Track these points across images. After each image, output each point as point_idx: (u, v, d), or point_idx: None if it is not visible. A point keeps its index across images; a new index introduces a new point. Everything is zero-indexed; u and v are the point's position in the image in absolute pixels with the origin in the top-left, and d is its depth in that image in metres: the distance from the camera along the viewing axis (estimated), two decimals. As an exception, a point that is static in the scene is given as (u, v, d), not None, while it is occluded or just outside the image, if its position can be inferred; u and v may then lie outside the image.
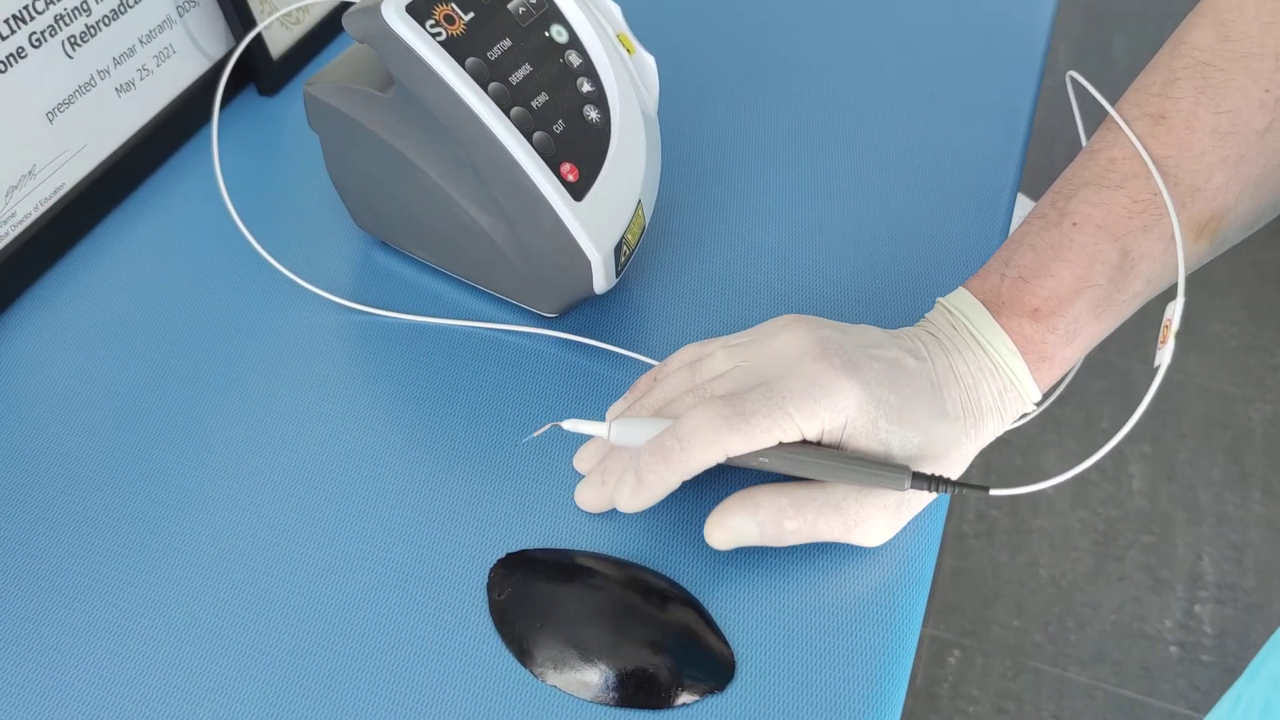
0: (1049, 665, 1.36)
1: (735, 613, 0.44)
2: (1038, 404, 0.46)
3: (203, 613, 0.44)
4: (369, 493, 0.48)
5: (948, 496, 0.46)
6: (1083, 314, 0.44)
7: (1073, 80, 0.53)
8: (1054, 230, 0.45)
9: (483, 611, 0.44)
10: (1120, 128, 0.46)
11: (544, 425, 0.47)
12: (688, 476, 0.43)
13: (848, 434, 0.42)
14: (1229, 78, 0.43)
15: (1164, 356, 0.43)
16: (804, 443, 0.43)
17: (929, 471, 0.43)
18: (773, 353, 0.44)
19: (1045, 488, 0.44)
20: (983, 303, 0.46)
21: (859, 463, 0.42)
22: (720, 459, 0.42)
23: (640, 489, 0.43)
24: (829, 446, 0.43)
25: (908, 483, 0.42)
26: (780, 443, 0.42)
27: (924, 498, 0.44)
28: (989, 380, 0.44)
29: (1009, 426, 0.45)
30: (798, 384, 0.42)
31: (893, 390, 0.43)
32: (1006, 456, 1.56)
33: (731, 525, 0.43)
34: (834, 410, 0.42)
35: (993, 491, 0.43)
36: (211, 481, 0.48)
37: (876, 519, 0.43)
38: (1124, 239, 0.44)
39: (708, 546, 0.45)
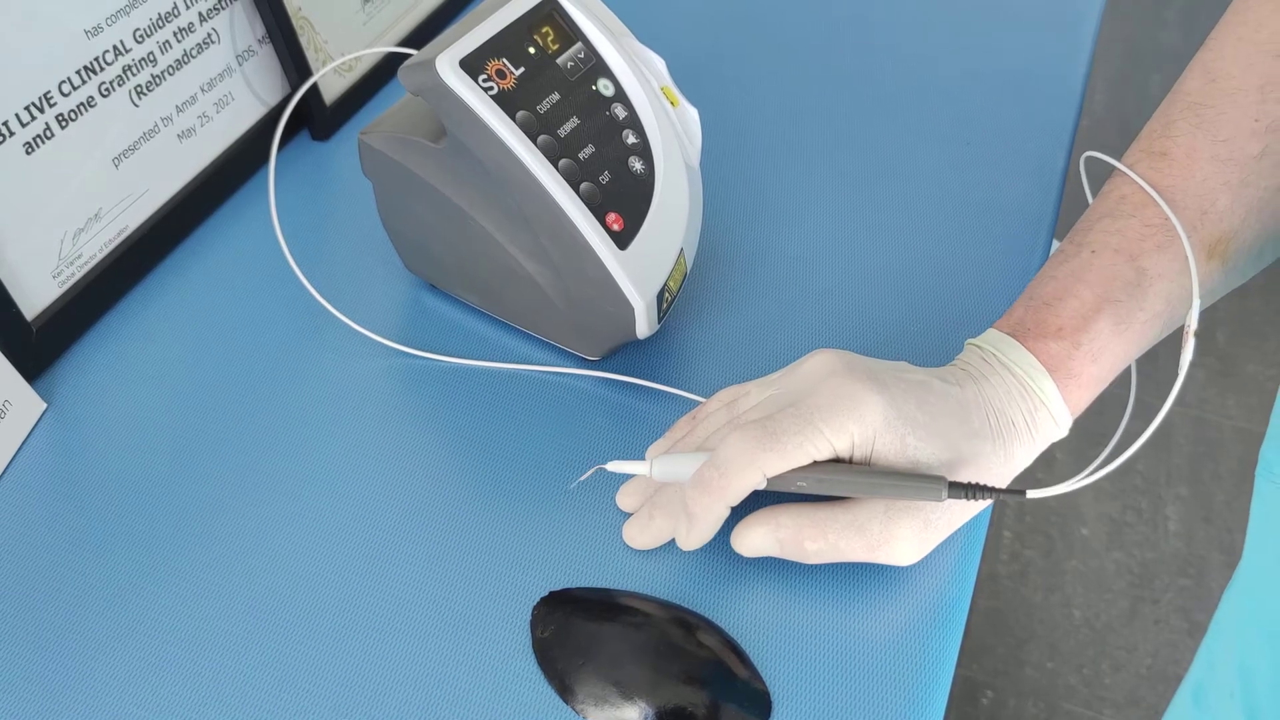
0: (1082, 708, 1.35)
1: (772, 652, 0.45)
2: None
3: (250, 644, 0.45)
4: (416, 531, 0.49)
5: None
6: (1105, 330, 0.46)
7: (1088, 160, 0.55)
8: (1073, 260, 0.47)
9: (526, 649, 0.45)
10: (1124, 170, 0.49)
11: (589, 470, 0.49)
12: (733, 503, 0.44)
13: (876, 449, 0.43)
14: (1220, 112, 0.47)
15: (1186, 354, 0.45)
16: (838, 462, 0.44)
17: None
18: (801, 377, 0.46)
19: (1085, 483, 0.45)
20: (1009, 334, 0.47)
21: (895, 476, 0.43)
22: (758, 481, 0.43)
23: (692, 524, 0.45)
24: (861, 465, 0.44)
25: (944, 493, 0.42)
26: (814, 461, 0.43)
27: (953, 519, 0.45)
28: (1018, 402, 0.45)
29: (1041, 449, 0.46)
30: (825, 399, 0.43)
31: (920, 408, 0.44)
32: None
33: (751, 538, 0.45)
34: (861, 423, 0.43)
35: (1029, 494, 0.44)
36: (262, 517, 0.50)
37: (903, 539, 0.44)
38: (1140, 258, 0.46)
39: (745, 587, 0.46)
